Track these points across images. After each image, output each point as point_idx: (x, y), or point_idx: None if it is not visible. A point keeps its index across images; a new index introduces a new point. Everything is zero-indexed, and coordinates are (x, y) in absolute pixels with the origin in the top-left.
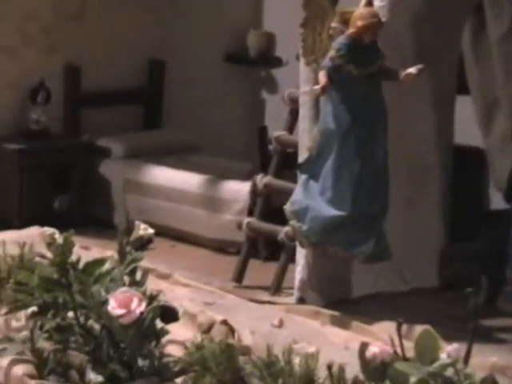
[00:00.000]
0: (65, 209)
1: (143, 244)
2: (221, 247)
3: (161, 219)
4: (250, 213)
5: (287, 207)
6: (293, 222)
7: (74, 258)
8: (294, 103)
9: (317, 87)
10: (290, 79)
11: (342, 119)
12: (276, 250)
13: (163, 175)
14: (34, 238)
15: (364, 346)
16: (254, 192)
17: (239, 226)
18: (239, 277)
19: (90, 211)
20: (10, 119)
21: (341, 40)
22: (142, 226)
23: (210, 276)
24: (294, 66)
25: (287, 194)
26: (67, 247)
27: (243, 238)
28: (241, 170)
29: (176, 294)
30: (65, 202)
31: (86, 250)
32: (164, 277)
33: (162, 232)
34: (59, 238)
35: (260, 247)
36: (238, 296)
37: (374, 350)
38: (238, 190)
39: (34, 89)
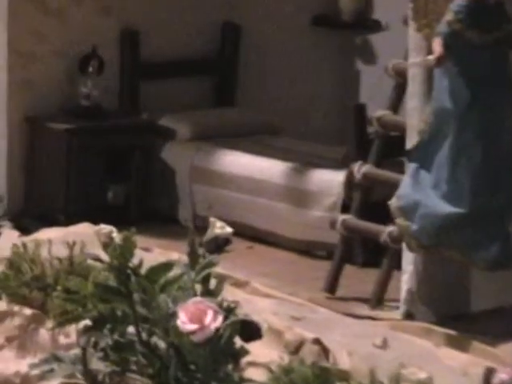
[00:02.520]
0: (120, 201)
1: (219, 246)
2: (308, 250)
3: (235, 215)
4: (345, 209)
5: (392, 202)
6: (399, 221)
7: (135, 261)
8: (400, 76)
9: (430, 57)
10: (391, 47)
11: (461, 96)
12: (377, 254)
13: (238, 162)
14: (86, 236)
15: (489, 372)
16: (350, 183)
17: (332, 224)
18: (332, 286)
19: (150, 204)
20: (56, 93)
21: (460, 1)
22: (219, 223)
23: (297, 285)
24: (397, 32)
25: (392, 186)
26: (128, 248)
27: (336, 239)
28: (333, 157)
29: (256, 307)
30: (120, 193)
31: (147, 252)
32: (241, 285)
33: (237, 231)
34: (117, 237)
35: (357, 250)
36: (331, 309)
37: (502, 377)
38: (329, 180)
39: (84, 57)
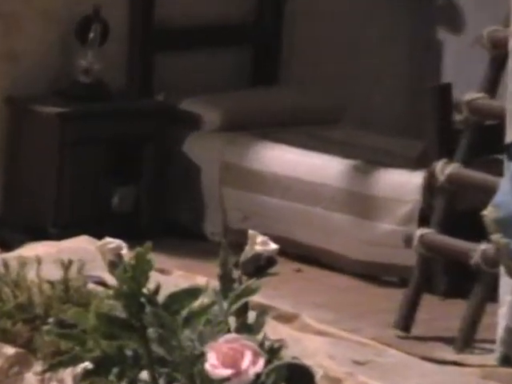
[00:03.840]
0: (128, 208)
1: (260, 267)
2: (375, 274)
3: (278, 228)
4: (423, 221)
5: (487, 213)
6: (496, 237)
7: (150, 286)
8: (497, 48)
9: None
10: (484, 10)
11: None
12: (464, 281)
13: (282, 159)
14: (85, 253)
15: None
16: (431, 188)
17: (406, 240)
18: (406, 322)
19: (167, 213)
20: (47, 68)
21: None
22: (260, 237)
23: (359, 319)
24: None
25: (485, 191)
26: (141, 270)
27: (412, 261)
28: (407, 153)
29: (307, 347)
30: (128, 197)
31: (165, 275)
32: (288, 319)
33: (282, 248)
34: (128, 254)
35: (439, 275)
36: (404, 352)
37: None
38: (402, 184)
39: (83, 21)
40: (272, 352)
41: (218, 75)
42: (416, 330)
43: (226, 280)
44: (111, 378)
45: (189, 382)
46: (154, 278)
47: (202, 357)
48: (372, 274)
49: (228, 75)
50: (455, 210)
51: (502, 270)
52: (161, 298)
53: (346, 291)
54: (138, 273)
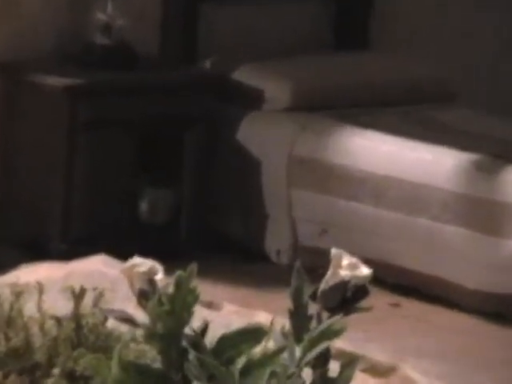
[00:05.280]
0: (162, 217)
1: (347, 300)
2: (501, 310)
3: (369, 246)
4: None
5: None
6: None
7: (194, 324)
8: None
9: None
10: None
11: None
12: None
13: (376, 152)
14: (103, 278)
15: None
16: None
17: None
18: None
19: (216, 224)
20: (53, 24)
21: None
22: (347, 259)
23: (480, 372)
24: None
25: None
26: (183, 302)
27: None
28: None
29: None
30: (162, 202)
31: (213, 310)
32: (384, 372)
33: (374, 274)
34: (165, 280)
35: None
36: None
37: None
38: None
39: None
40: None
41: (285, 34)
42: None
43: (298, 317)
44: None
45: None
46: (200, 313)
47: None
48: (498, 310)
49: (299, 35)
50: None
51: None
52: (209, 341)
53: (463, 334)
54: (178, 306)
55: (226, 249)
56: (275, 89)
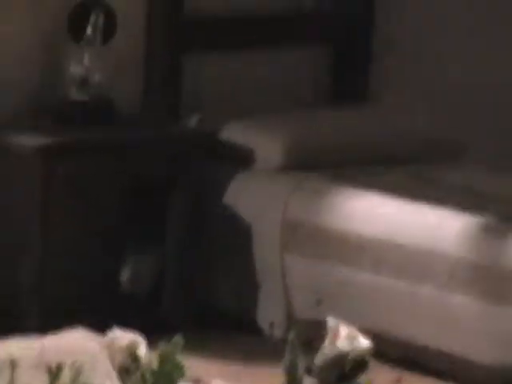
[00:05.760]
0: (145, 286)
1: (345, 375)
2: None
3: (368, 317)
4: None
5: None
6: None
7: None
8: None
9: None
10: None
11: None
12: None
13: (375, 214)
14: (82, 354)
15: None
16: None
17: None
18: None
19: (203, 293)
20: (26, 77)
21: None
22: (345, 330)
23: None
24: None
25: None
26: (169, 378)
27: None
28: None
29: None
30: (145, 269)
31: None
32: None
33: (374, 347)
34: (147, 355)
35: None
36: None
37: None
38: None
39: (78, 9)
40: None
41: (277, 88)
42: None
43: None
44: None
45: None
46: None
47: None
48: None
49: (293, 88)
50: None
51: None
52: None
53: None
54: (162, 383)
55: (216, 321)
56: (266, 147)
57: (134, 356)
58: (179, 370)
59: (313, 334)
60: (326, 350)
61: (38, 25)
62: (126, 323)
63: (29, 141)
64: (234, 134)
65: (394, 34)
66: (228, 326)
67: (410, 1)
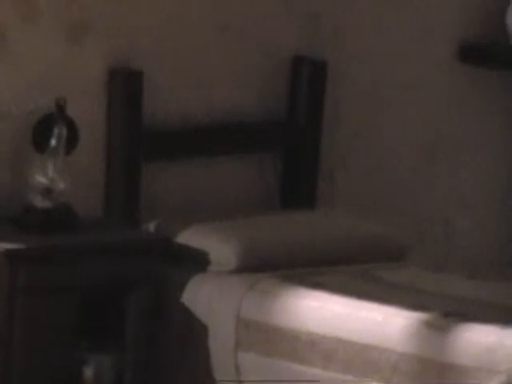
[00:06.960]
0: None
1: None
2: None
3: None
4: None
5: None
6: None
7: None
8: None
9: None
10: None
11: None
12: None
13: (325, 313)
14: None
15: None
16: None
17: None
18: None
19: None
20: None
21: None
22: None
23: None
24: None
25: None
26: None
27: None
28: (500, 302)
29: None
30: (106, 369)
31: None
32: None
33: None
34: None
35: None
36: None
37: None
38: (493, 347)
39: (42, 120)
40: None
41: (230, 194)
42: None
43: None
44: None
45: None
46: None
47: None
48: None
49: (246, 194)
50: None
51: None
52: None
53: None
54: None
55: None
56: (220, 251)
57: None
58: None
59: None
60: None
61: (6, 134)
62: None
63: None
64: (190, 238)
65: (342, 144)
66: None
67: (359, 110)
